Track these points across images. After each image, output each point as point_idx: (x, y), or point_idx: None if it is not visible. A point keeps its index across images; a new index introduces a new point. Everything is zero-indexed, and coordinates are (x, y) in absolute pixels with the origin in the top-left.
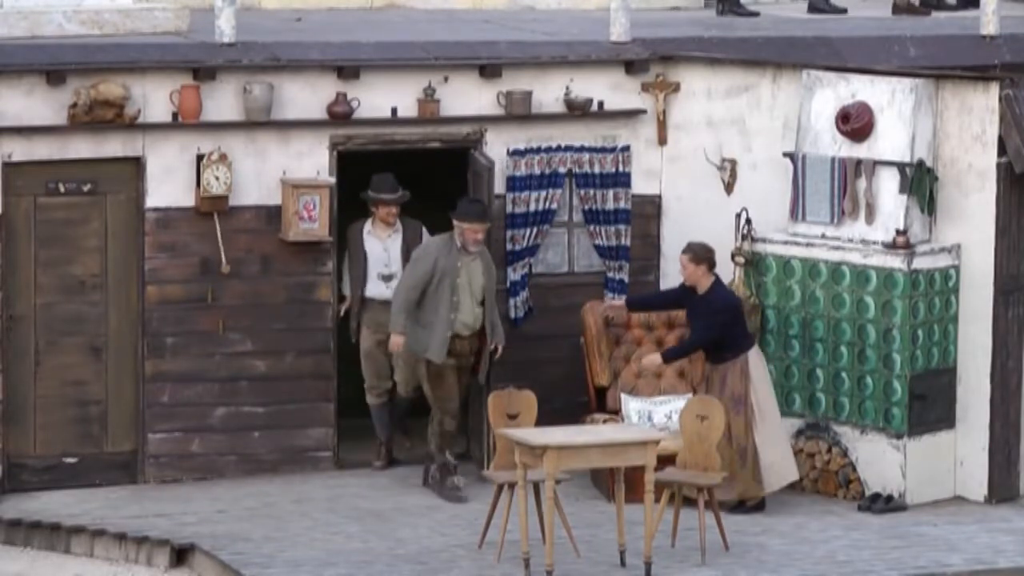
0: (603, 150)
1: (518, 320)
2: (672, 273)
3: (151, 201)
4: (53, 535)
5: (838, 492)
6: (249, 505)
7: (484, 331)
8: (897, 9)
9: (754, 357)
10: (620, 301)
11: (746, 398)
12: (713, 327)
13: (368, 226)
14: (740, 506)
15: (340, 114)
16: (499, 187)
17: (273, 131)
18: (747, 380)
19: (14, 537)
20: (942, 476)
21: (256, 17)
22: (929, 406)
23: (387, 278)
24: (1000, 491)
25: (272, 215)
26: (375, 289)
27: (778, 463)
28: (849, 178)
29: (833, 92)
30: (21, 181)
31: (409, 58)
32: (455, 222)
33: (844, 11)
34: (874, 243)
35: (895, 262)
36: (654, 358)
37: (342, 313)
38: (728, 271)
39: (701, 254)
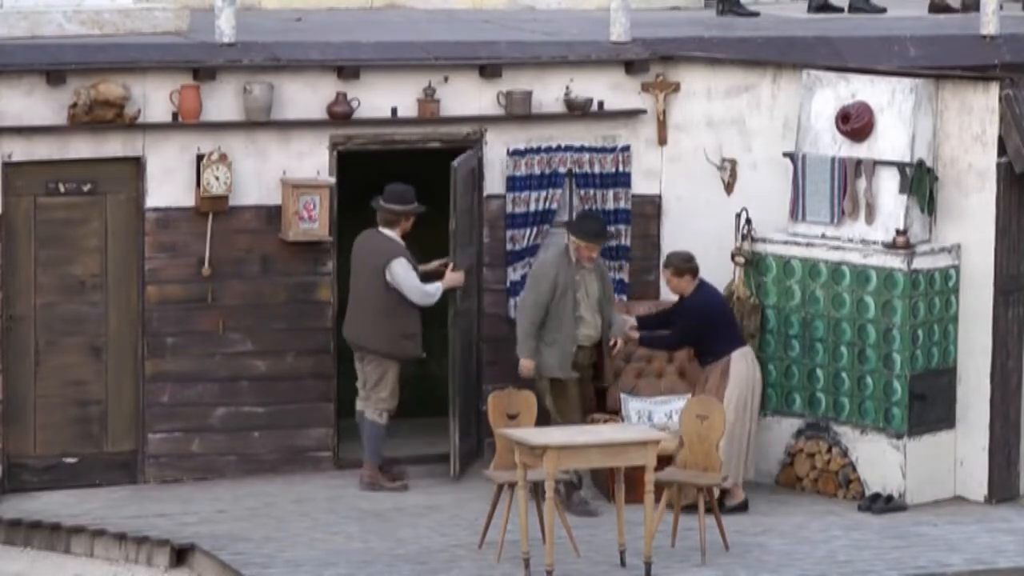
0: (603, 150)
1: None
2: None
3: (151, 201)
4: (53, 535)
5: (838, 492)
6: (249, 505)
7: (602, 339)
8: (934, 8)
9: (737, 358)
10: (632, 328)
11: (721, 399)
12: (686, 329)
13: (398, 240)
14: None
15: (340, 114)
16: (499, 187)
17: (273, 131)
18: (725, 382)
19: (14, 537)
20: (942, 476)
21: (256, 17)
22: (929, 406)
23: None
24: (1000, 491)
25: (272, 215)
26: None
27: (731, 462)
28: (849, 178)
29: (833, 92)
30: (21, 181)
31: (409, 58)
32: (571, 238)
33: (883, 10)
34: (874, 243)
35: (895, 262)
36: (631, 321)
37: None
38: (728, 271)
39: (682, 266)
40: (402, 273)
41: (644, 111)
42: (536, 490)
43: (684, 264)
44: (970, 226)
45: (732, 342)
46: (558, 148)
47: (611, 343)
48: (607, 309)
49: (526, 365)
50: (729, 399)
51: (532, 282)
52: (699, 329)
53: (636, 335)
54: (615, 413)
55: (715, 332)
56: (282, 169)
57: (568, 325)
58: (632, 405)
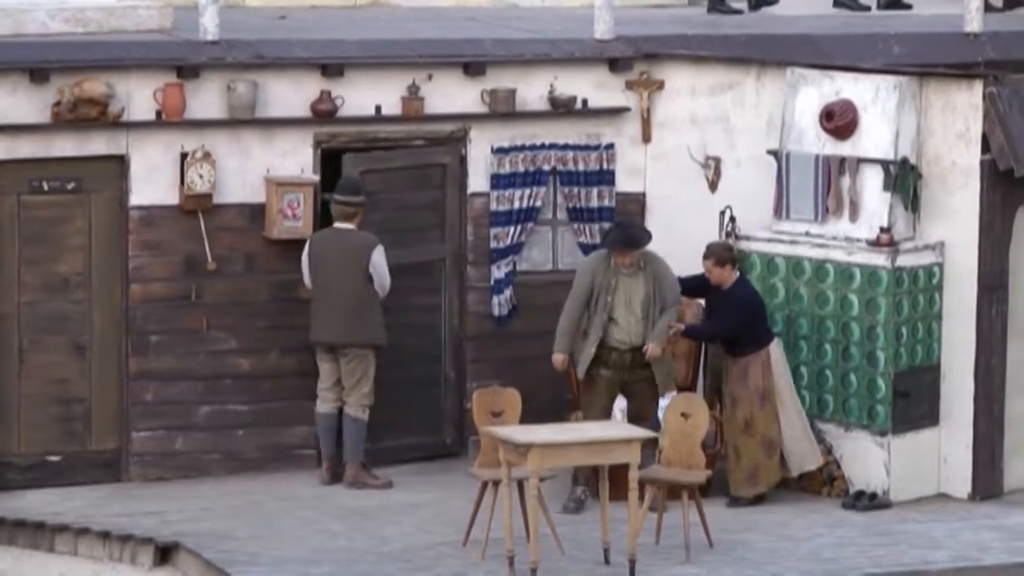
0: (587, 148)
1: (502, 318)
2: None
3: (135, 199)
4: (37, 534)
5: (822, 489)
6: (233, 503)
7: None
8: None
9: (775, 351)
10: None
11: (770, 391)
12: (733, 320)
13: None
14: (736, 501)
15: (324, 112)
16: (483, 185)
17: (257, 129)
18: (769, 374)
19: None
20: (926, 473)
21: (240, 15)
22: (913, 403)
23: None
24: (984, 488)
25: (256, 213)
26: None
27: (799, 450)
28: (833, 176)
29: (817, 90)
30: (5, 180)
31: (393, 56)
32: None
33: (909, 7)
34: (858, 240)
35: (879, 259)
36: (678, 326)
37: None
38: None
39: (724, 255)
40: (383, 262)
41: (628, 109)
42: (520, 488)
43: (726, 253)
44: (954, 223)
45: (769, 334)
46: (542, 146)
47: (644, 348)
48: (654, 312)
49: (558, 359)
50: (781, 389)
51: (574, 281)
52: (747, 321)
53: (681, 327)
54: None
55: (757, 324)
56: (266, 167)
57: (596, 326)
58: (617, 403)
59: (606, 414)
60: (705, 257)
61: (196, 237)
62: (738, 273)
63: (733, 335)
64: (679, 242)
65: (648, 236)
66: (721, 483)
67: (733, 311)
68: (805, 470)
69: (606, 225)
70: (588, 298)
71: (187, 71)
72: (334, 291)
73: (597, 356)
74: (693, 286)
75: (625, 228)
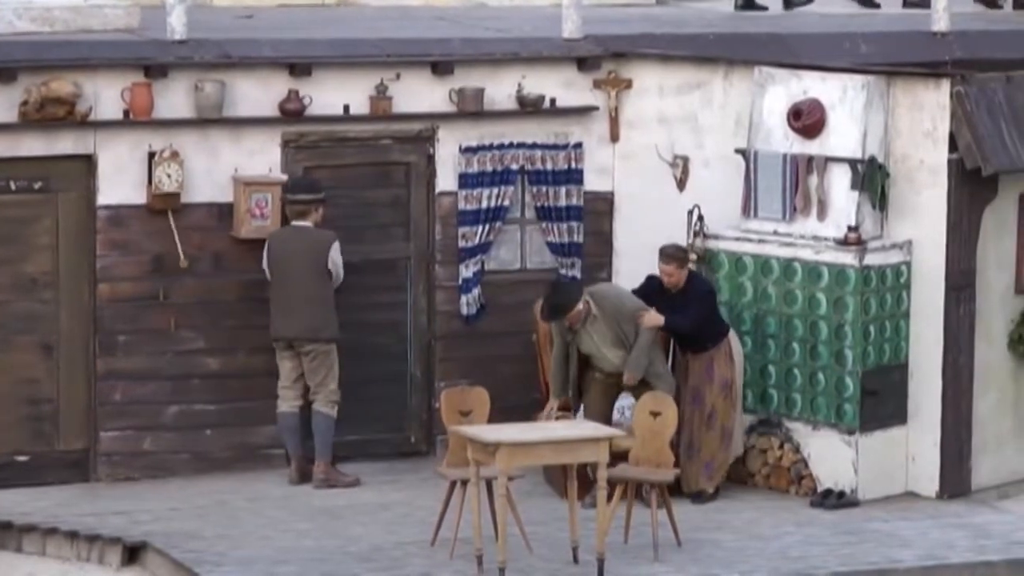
0: (555, 147)
1: (470, 317)
2: (624, 270)
3: (103, 199)
4: (4, 534)
5: (790, 488)
6: (201, 503)
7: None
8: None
9: (734, 341)
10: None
11: (733, 382)
12: (703, 314)
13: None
14: (699, 496)
15: (292, 111)
16: (451, 184)
17: (225, 128)
18: (732, 364)
19: None
20: (894, 472)
21: (207, 14)
22: (881, 402)
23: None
24: (951, 486)
25: (224, 212)
26: None
27: (737, 438)
28: (801, 175)
29: (785, 89)
30: None
31: (361, 55)
32: None
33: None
34: (826, 239)
35: (847, 258)
36: (654, 317)
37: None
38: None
39: (683, 256)
40: (340, 258)
41: (596, 108)
42: (489, 487)
43: (682, 254)
44: (922, 222)
45: (725, 324)
46: (510, 145)
47: (626, 382)
48: (637, 346)
49: (555, 404)
50: (739, 382)
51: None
52: (711, 314)
53: (658, 320)
54: (567, 410)
55: (717, 315)
56: (234, 166)
57: (574, 365)
58: (618, 402)
59: (605, 418)
60: (665, 262)
61: (164, 236)
62: (689, 270)
63: (702, 328)
64: (647, 241)
65: (577, 292)
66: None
67: (697, 304)
68: (733, 458)
69: (575, 224)
70: (567, 351)
71: (155, 70)
72: (292, 288)
73: (587, 365)
74: (643, 298)
75: (549, 297)
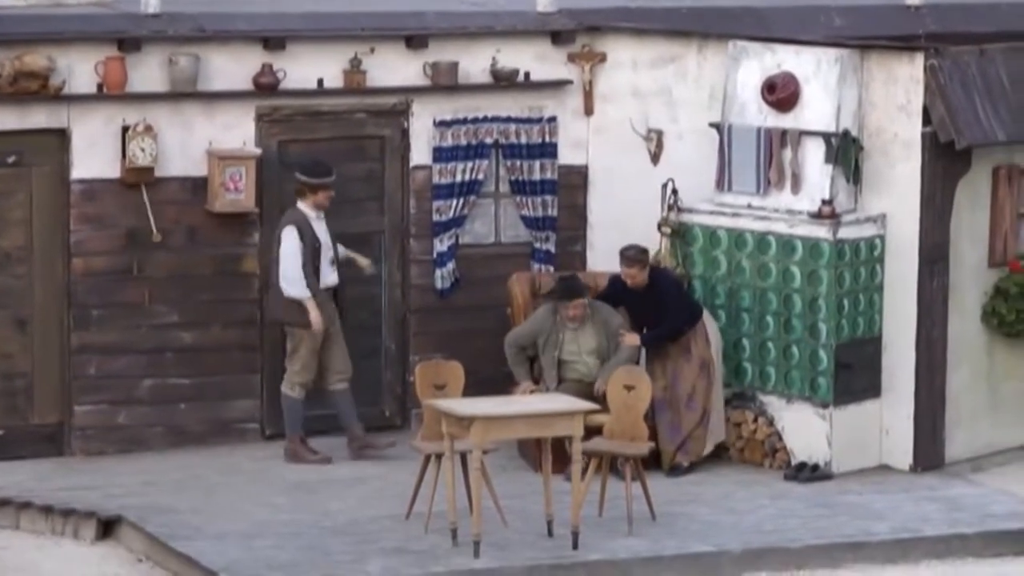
0: (529, 121)
1: (445, 291)
2: (598, 244)
3: (76, 173)
4: None
5: (764, 461)
6: (176, 477)
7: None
8: None
9: (709, 321)
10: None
11: (709, 362)
12: (682, 305)
13: (310, 212)
14: (675, 470)
15: (266, 85)
16: (425, 158)
17: (199, 102)
18: (708, 344)
19: None
20: (868, 445)
21: None
22: (855, 375)
23: (333, 262)
24: (925, 460)
25: (198, 186)
26: (329, 277)
27: (717, 421)
28: (775, 148)
29: (759, 62)
30: None
31: (335, 29)
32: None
33: None
34: (800, 213)
35: (821, 232)
36: (633, 338)
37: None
38: (654, 241)
39: (643, 259)
40: (284, 244)
41: (570, 82)
42: (463, 461)
43: (645, 256)
44: (895, 196)
45: (699, 305)
46: (484, 119)
47: (597, 390)
48: (615, 360)
49: (524, 388)
50: (717, 362)
51: (525, 322)
52: (686, 304)
53: (636, 341)
54: (539, 383)
55: (689, 300)
56: (208, 140)
57: (548, 376)
58: None
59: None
60: (628, 265)
61: (138, 210)
62: (648, 267)
63: (688, 318)
64: (621, 215)
65: (585, 288)
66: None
67: (676, 295)
68: (715, 444)
69: (549, 198)
70: (527, 344)
71: (128, 44)
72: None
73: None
74: (610, 301)
75: (568, 280)
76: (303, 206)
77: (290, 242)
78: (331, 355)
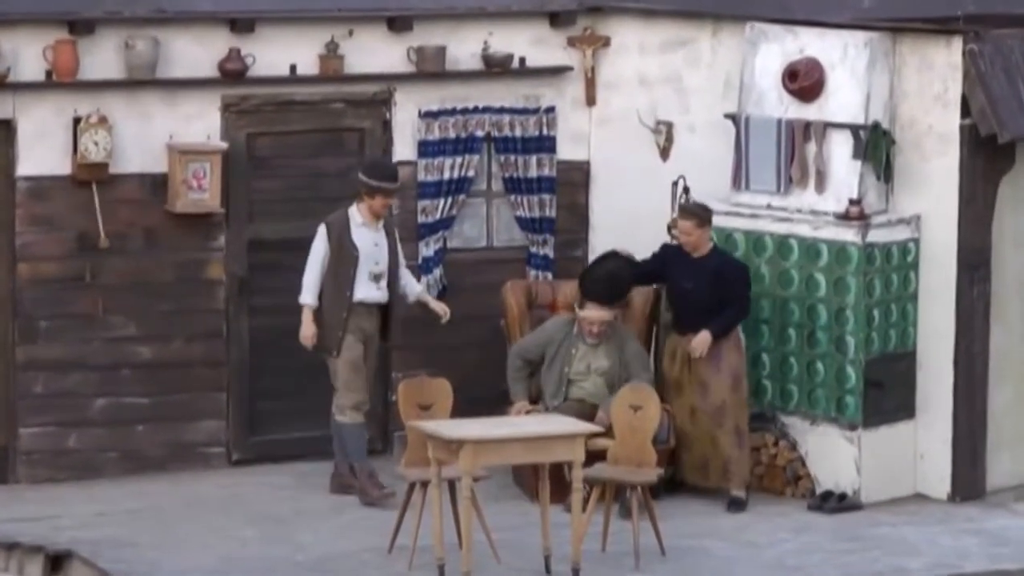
0: (525, 111)
1: None
2: (601, 248)
3: (22, 169)
4: None
5: (786, 489)
6: (132, 507)
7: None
8: None
9: (739, 330)
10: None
11: (741, 376)
12: (748, 294)
13: (357, 216)
14: (734, 505)
15: (233, 72)
16: (409, 152)
17: (158, 91)
18: (741, 355)
19: None
20: (901, 472)
21: None
22: (886, 394)
23: (378, 277)
24: (964, 488)
25: (157, 184)
26: (365, 291)
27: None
28: (797, 142)
29: (779, 47)
30: None
31: (310, 9)
32: (576, 309)
33: None
34: (825, 214)
35: (848, 235)
36: (704, 336)
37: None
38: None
39: (704, 215)
40: (313, 248)
41: (570, 68)
42: (452, 489)
43: (707, 214)
44: (931, 195)
45: None
46: (475, 109)
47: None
48: (615, 380)
49: (518, 409)
50: (744, 376)
51: (529, 334)
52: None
53: (706, 335)
54: (539, 403)
55: None
56: (168, 133)
57: (550, 393)
58: None
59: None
60: (683, 217)
61: (91, 211)
62: (712, 241)
63: (746, 314)
64: (627, 216)
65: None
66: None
67: (744, 286)
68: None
69: (547, 197)
70: (535, 357)
71: (80, 26)
72: None
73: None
74: (649, 271)
75: (602, 281)
76: (355, 208)
77: (316, 242)
78: None
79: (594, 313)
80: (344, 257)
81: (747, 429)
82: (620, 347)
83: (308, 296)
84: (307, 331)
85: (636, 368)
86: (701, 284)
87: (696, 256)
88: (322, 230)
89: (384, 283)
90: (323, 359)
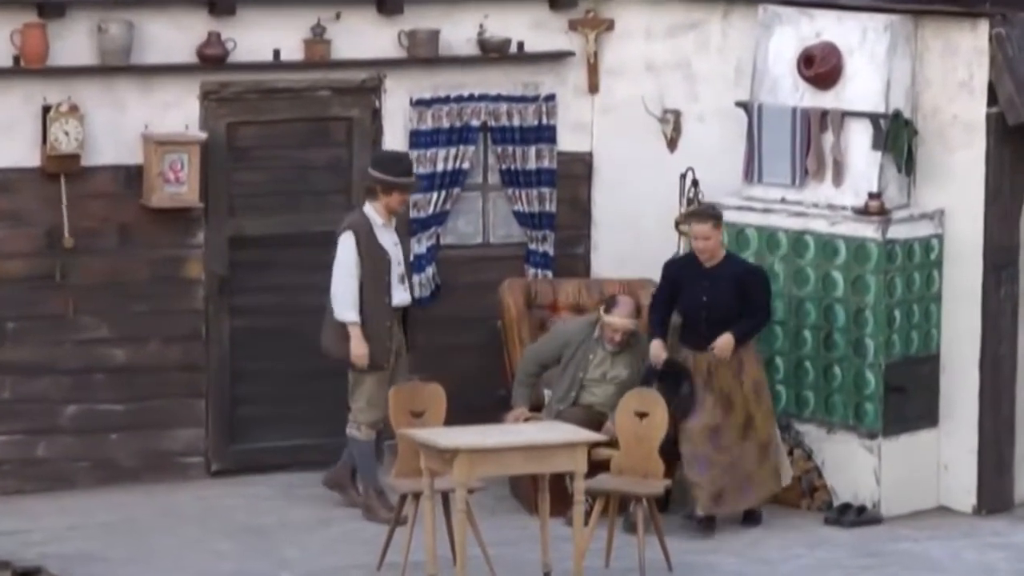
0: (524, 100)
1: (423, 300)
2: (604, 244)
3: None
4: None
5: (801, 502)
6: (105, 520)
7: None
8: None
9: (634, 324)
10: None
11: (764, 385)
12: (768, 299)
13: (376, 216)
14: (749, 518)
15: (213, 57)
16: (400, 143)
17: (133, 78)
18: (760, 364)
19: None
20: (923, 483)
21: None
22: (908, 400)
23: (402, 279)
24: (991, 500)
25: (132, 177)
26: (399, 296)
27: (782, 454)
28: (813, 132)
29: (794, 30)
30: None
31: None
32: (601, 313)
33: None
34: (843, 208)
35: (867, 231)
36: (727, 338)
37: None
38: (671, 242)
39: (720, 216)
40: (339, 253)
41: (572, 53)
42: (445, 501)
43: (719, 213)
44: (955, 188)
45: None
46: (470, 97)
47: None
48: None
49: (516, 415)
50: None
51: (543, 337)
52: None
53: (729, 338)
54: (538, 410)
55: None
56: (144, 123)
57: (559, 398)
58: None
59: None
60: (700, 221)
61: (60, 205)
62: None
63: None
64: (632, 211)
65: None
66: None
67: (766, 293)
68: (787, 483)
69: (546, 191)
70: (550, 362)
71: (50, 9)
72: None
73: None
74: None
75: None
76: (370, 208)
77: (345, 252)
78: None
79: (619, 320)
80: (377, 262)
81: (778, 440)
82: (641, 359)
83: (352, 312)
84: (361, 349)
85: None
86: (720, 295)
87: (709, 265)
88: (350, 238)
89: (407, 284)
90: (312, 365)
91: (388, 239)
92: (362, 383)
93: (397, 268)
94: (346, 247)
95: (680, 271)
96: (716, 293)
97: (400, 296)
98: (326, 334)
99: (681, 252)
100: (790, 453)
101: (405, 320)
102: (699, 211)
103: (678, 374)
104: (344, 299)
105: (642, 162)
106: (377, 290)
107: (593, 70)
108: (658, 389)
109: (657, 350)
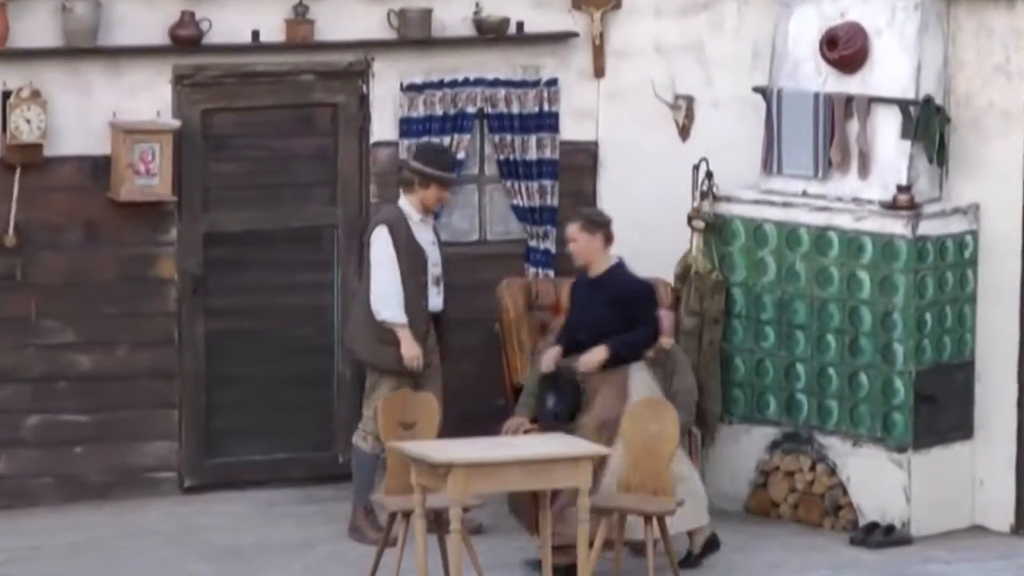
0: (523, 85)
1: None
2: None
3: None
4: None
5: (824, 521)
6: (71, 539)
7: None
8: None
9: (670, 343)
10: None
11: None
12: (654, 314)
13: (412, 212)
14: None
15: (186, 39)
16: (390, 132)
17: (100, 61)
18: (624, 394)
19: None
20: (957, 500)
21: None
22: (940, 411)
23: (437, 281)
24: None
25: (99, 168)
26: (436, 299)
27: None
28: (837, 120)
29: (816, 10)
30: None
31: None
32: None
33: None
34: (869, 202)
35: (896, 227)
36: (596, 351)
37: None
38: (683, 239)
39: (598, 220)
40: (375, 250)
41: (576, 35)
42: (439, 520)
43: (601, 219)
44: (991, 181)
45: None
46: (465, 82)
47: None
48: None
49: (512, 423)
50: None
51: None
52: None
53: (601, 351)
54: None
55: None
56: (111, 110)
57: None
58: None
59: None
60: (573, 220)
61: (23, 199)
62: (618, 258)
63: (654, 335)
64: (641, 205)
65: None
66: None
67: (651, 305)
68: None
69: (548, 183)
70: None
71: None
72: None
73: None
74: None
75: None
76: (406, 202)
77: (382, 247)
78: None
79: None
80: (414, 261)
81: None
82: (671, 375)
83: (400, 313)
84: (414, 351)
85: (679, 404)
86: (599, 307)
87: (593, 275)
88: (385, 234)
89: (442, 287)
90: (315, 370)
91: (425, 237)
92: (378, 389)
93: (434, 269)
94: (382, 242)
95: (577, 280)
96: (593, 309)
97: (436, 300)
98: (357, 337)
99: (694, 251)
100: (811, 469)
101: (439, 327)
102: (577, 210)
103: (560, 385)
104: (388, 298)
105: (652, 152)
106: (413, 290)
107: (598, 52)
108: (537, 397)
109: (548, 357)
